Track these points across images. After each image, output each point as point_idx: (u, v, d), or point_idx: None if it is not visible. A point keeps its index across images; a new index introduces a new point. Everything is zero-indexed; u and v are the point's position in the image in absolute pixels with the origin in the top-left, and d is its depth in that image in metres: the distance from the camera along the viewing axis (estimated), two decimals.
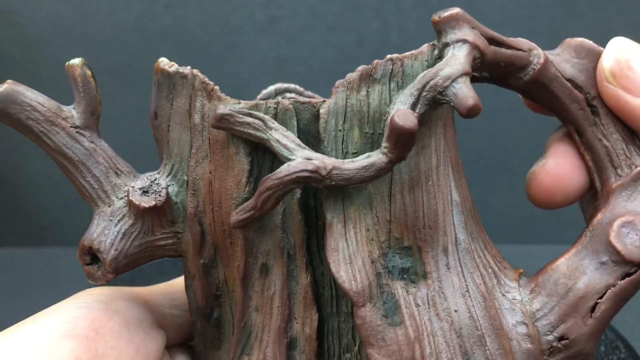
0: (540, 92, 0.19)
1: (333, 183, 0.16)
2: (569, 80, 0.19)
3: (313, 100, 0.18)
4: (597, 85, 0.18)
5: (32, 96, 0.18)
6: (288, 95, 0.24)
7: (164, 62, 0.19)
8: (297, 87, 0.24)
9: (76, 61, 0.18)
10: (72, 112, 0.18)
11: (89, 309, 0.19)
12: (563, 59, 0.19)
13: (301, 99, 0.22)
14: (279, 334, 0.18)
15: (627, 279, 0.17)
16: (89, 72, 0.18)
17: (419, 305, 0.17)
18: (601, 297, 0.17)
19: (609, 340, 0.37)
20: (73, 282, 0.57)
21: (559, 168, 0.19)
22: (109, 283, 0.19)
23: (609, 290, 0.17)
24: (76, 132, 0.18)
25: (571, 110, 0.19)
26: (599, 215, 0.18)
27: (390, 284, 0.17)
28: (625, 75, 0.17)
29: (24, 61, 0.62)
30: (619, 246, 0.17)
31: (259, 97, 0.24)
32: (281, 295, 0.18)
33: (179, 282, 0.23)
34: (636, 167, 0.18)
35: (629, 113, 0.18)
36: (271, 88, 0.24)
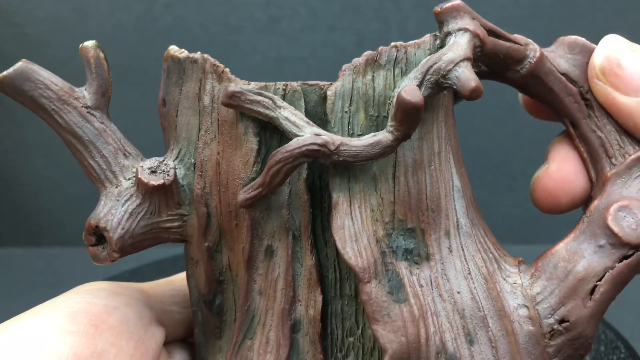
0: (536, 86, 0.19)
1: (340, 159, 0.16)
2: (564, 74, 0.19)
3: (320, 82, 0.18)
4: (590, 83, 0.19)
5: (46, 75, 0.18)
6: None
7: (174, 49, 0.19)
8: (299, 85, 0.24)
9: (90, 43, 0.19)
10: (84, 93, 0.19)
11: (89, 304, 0.19)
12: (557, 55, 0.19)
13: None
14: (282, 317, 0.18)
15: (624, 261, 0.18)
16: (101, 55, 0.19)
17: (422, 286, 0.17)
18: (600, 280, 0.18)
19: (609, 340, 0.37)
20: (73, 282, 0.56)
21: (562, 171, 0.19)
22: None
23: (608, 273, 0.18)
24: (87, 112, 0.18)
25: (566, 103, 0.19)
26: (596, 202, 0.19)
27: (394, 263, 0.17)
28: (615, 74, 0.18)
29: None
30: (616, 229, 0.17)
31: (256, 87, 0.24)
32: (285, 277, 0.18)
33: (179, 278, 0.23)
34: (629, 155, 0.19)
35: (616, 110, 0.18)
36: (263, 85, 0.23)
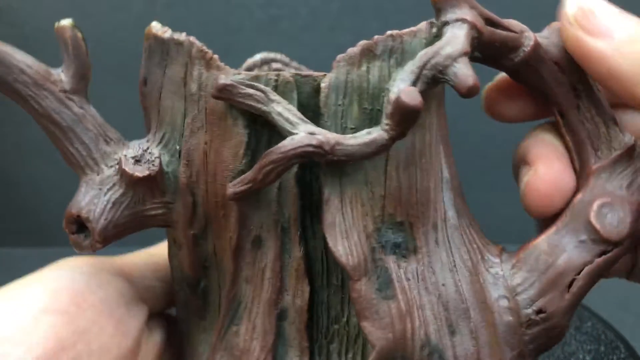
0: (529, 73, 0.19)
1: (335, 158, 0.16)
2: (556, 63, 0.19)
3: (314, 73, 0.18)
4: (561, 31, 0.18)
5: (20, 58, 0.18)
6: (274, 65, 0.23)
7: (156, 27, 0.18)
8: (284, 57, 0.23)
9: (66, 22, 0.18)
10: (62, 76, 0.18)
11: (71, 281, 0.19)
12: (550, 42, 0.19)
13: (290, 70, 0.21)
14: (269, 305, 0.18)
15: (603, 257, 0.18)
16: (79, 35, 0.18)
17: (409, 279, 0.18)
18: (579, 274, 0.18)
19: (609, 340, 0.37)
20: None
21: (552, 171, 0.19)
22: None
23: (587, 267, 0.18)
24: (65, 97, 0.18)
25: (556, 92, 0.19)
26: (579, 196, 0.19)
27: (383, 258, 0.18)
28: (587, 18, 0.17)
29: None
30: (598, 226, 0.18)
31: (244, 65, 0.24)
32: (273, 268, 0.18)
33: (161, 250, 0.22)
34: (615, 150, 0.19)
35: (587, 56, 0.18)
36: (257, 57, 0.23)
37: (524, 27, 0.19)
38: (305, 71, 0.22)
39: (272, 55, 0.23)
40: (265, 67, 0.23)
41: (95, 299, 0.19)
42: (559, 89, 0.19)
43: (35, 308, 0.18)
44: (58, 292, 0.18)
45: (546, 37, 0.19)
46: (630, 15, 0.18)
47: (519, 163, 0.20)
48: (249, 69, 0.23)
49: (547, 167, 0.19)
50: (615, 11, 0.18)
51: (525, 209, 0.20)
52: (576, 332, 0.39)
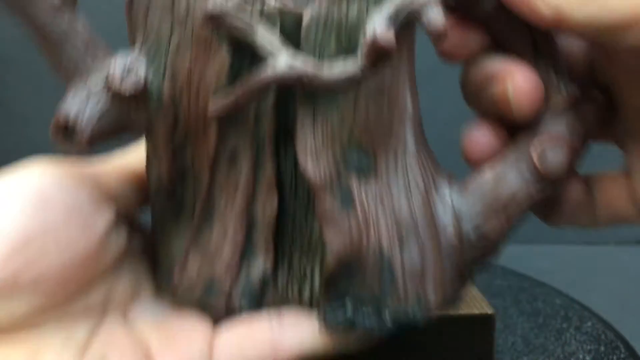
0: (498, 23, 0.20)
1: (311, 87, 0.18)
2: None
3: (298, 9, 0.19)
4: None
5: None
6: None
7: None
8: None
9: None
10: None
11: (38, 178, 0.19)
12: None
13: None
14: (240, 213, 0.20)
15: (540, 191, 0.21)
16: None
17: (368, 198, 0.20)
18: (518, 203, 0.21)
19: (609, 340, 0.38)
20: None
21: (531, 73, 0.20)
22: None
23: (524, 199, 0.21)
24: (55, 9, 0.19)
25: (518, 43, 0.21)
26: (524, 135, 0.21)
27: (347, 178, 0.20)
28: None
29: (23, 61, 0.63)
30: (538, 163, 0.20)
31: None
32: (246, 180, 0.20)
33: (136, 158, 0.22)
34: (563, 97, 0.21)
35: None
36: None
37: None
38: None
39: None
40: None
41: (63, 196, 0.19)
42: (521, 40, 0.21)
43: (3, 205, 0.18)
44: (25, 187, 0.19)
45: None
46: None
47: (481, 85, 0.21)
48: None
49: (525, 71, 0.20)
50: None
51: (515, 113, 0.20)
52: (576, 332, 0.39)
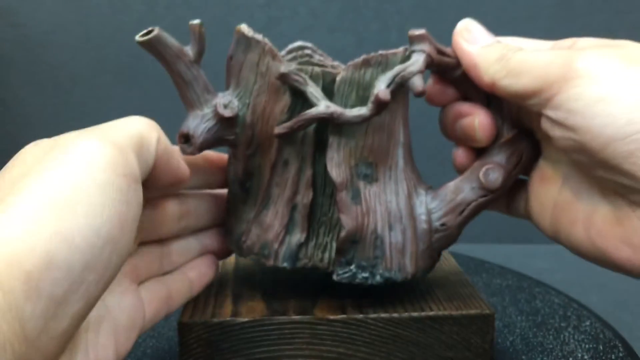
0: (463, 83, 0.30)
1: (339, 122, 0.28)
2: None
3: (334, 71, 0.29)
4: (452, 39, 0.29)
5: (169, 39, 0.28)
6: (306, 51, 0.35)
7: (245, 28, 0.29)
8: (313, 46, 0.35)
9: (197, 21, 0.29)
10: (189, 52, 0.29)
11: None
12: None
13: (316, 55, 0.34)
14: (287, 201, 0.30)
15: (483, 198, 0.30)
16: (203, 30, 0.29)
17: (370, 196, 0.29)
18: (468, 205, 0.31)
19: (607, 339, 0.38)
20: None
21: (489, 114, 0.30)
22: None
23: (473, 203, 0.31)
24: (190, 64, 0.28)
25: (477, 98, 0.30)
26: (479, 161, 0.31)
27: (357, 181, 0.29)
28: (466, 32, 0.28)
29: (25, 62, 0.63)
30: (483, 180, 0.30)
31: (285, 49, 0.34)
32: (293, 179, 0.30)
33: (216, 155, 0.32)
34: (504, 137, 0.30)
35: (465, 55, 0.28)
36: (295, 44, 0.35)
37: None
38: (326, 58, 0.35)
39: (305, 43, 0.35)
40: (300, 51, 0.35)
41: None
42: (479, 96, 0.30)
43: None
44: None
45: None
46: (490, 33, 0.28)
47: (454, 119, 0.30)
48: (290, 51, 0.35)
49: (486, 112, 0.30)
50: (482, 30, 0.28)
51: (477, 143, 0.30)
52: (575, 331, 0.39)
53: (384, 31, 0.62)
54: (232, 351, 0.31)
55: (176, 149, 0.27)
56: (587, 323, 0.41)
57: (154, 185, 0.25)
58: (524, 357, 0.36)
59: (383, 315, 0.31)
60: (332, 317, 0.31)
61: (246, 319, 0.30)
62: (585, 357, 0.36)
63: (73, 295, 0.18)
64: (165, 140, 0.25)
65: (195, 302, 0.32)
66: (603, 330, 0.39)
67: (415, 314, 0.32)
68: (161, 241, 0.29)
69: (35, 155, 0.21)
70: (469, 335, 0.32)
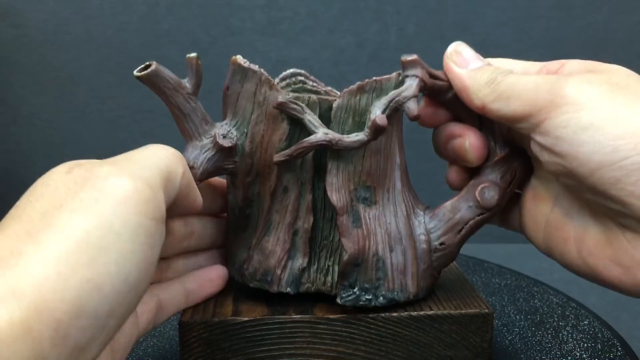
0: (454, 105, 0.31)
1: (337, 148, 0.28)
2: None
3: (330, 98, 0.30)
4: (443, 62, 0.29)
5: (167, 73, 0.28)
6: (299, 77, 0.35)
7: (240, 59, 0.29)
8: (306, 72, 0.36)
9: (193, 55, 0.29)
10: (187, 84, 0.29)
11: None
12: None
13: (309, 82, 0.35)
14: (288, 226, 0.30)
15: (480, 216, 0.31)
16: (199, 62, 0.29)
17: (370, 218, 0.30)
18: (466, 224, 0.31)
19: (606, 338, 0.38)
20: None
21: (479, 136, 0.30)
22: None
23: (470, 221, 0.31)
24: (188, 96, 0.29)
25: (468, 118, 0.31)
26: (473, 181, 0.31)
27: (357, 205, 0.30)
28: (456, 55, 0.29)
29: (26, 62, 0.63)
30: (479, 198, 0.31)
31: (279, 77, 0.35)
32: (293, 205, 0.30)
33: (219, 182, 0.32)
34: (497, 156, 0.31)
35: (456, 78, 0.29)
36: (289, 71, 0.35)
37: None
38: (319, 83, 0.35)
39: (299, 70, 0.35)
40: (293, 78, 0.35)
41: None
42: (470, 117, 0.31)
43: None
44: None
45: None
46: (480, 56, 0.29)
47: (446, 140, 0.31)
48: (283, 78, 0.35)
49: (477, 133, 0.30)
50: (472, 52, 0.29)
51: (469, 163, 0.30)
52: (573, 330, 0.40)
53: (383, 32, 0.62)
54: (233, 350, 0.30)
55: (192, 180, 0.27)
56: (586, 322, 0.41)
57: (169, 213, 0.24)
58: (522, 356, 0.36)
59: (382, 314, 0.31)
60: (332, 316, 0.31)
61: (246, 318, 0.30)
62: (584, 356, 0.36)
63: (95, 341, 0.18)
64: (188, 173, 0.25)
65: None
66: (601, 330, 0.39)
67: (414, 313, 0.32)
68: (161, 259, 0.29)
69: (67, 186, 0.20)
70: (468, 334, 0.32)
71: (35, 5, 0.62)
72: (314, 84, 0.35)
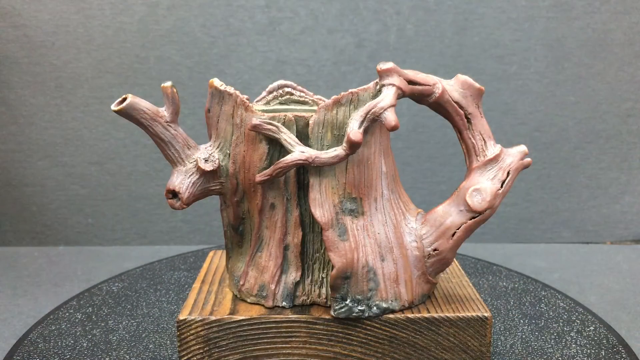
0: (439, 108, 0.32)
1: (315, 165, 0.29)
2: (456, 102, 0.32)
3: (306, 115, 0.30)
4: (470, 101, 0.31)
5: (143, 104, 0.29)
6: (286, 89, 0.36)
7: (217, 82, 0.31)
8: (293, 83, 0.36)
9: (168, 83, 0.30)
10: (165, 113, 0.30)
11: None
12: (453, 89, 0.32)
13: (296, 94, 0.35)
14: (279, 242, 0.32)
15: (471, 220, 0.31)
16: (175, 90, 0.30)
17: (357, 230, 0.30)
18: (458, 229, 0.31)
19: (611, 344, 0.37)
20: (76, 280, 0.57)
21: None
22: None
23: (462, 225, 0.31)
24: (167, 124, 0.30)
25: (456, 120, 0.32)
26: (463, 183, 0.32)
27: (343, 218, 0.30)
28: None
29: (27, 63, 0.63)
30: (469, 202, 0.31)
31: (266, 90, 0.35)
32: (281, 220, 0.31)
33: None
34: (487, 156, 0.32)
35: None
36: (276, 83, 0.36)
37: (436, 80, 0.31)
38: (307, 93, 0.36)
39: (285, 82, 0.36)
40: (280, 90, 0.36)
41: None
42: (457, 118, 0.32)
43: None
44: None
45: (451, 84, 0.32)
46: None
47: None
48: (270, 92, 0.36)
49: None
50: None
51: None
52: (577, 336, 0.39)
53: (383, 32, 0.62)
54: (230, 348, 0.31)
55: None
56: (591, 328, 0.40)
57: None
58: None
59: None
60: (328, 316, 0.31)
61: (244, 317, 0.31)
62: None
63: None
64: None
65: (195, 300, 0.32)
66: (607, 336, 0.39)
67: (411, 316, 0.31)
68: None
69: None
70: (466, 337, 0.32)
71: (35, 5, 0.62)
72: (302, 94, 0.35)
